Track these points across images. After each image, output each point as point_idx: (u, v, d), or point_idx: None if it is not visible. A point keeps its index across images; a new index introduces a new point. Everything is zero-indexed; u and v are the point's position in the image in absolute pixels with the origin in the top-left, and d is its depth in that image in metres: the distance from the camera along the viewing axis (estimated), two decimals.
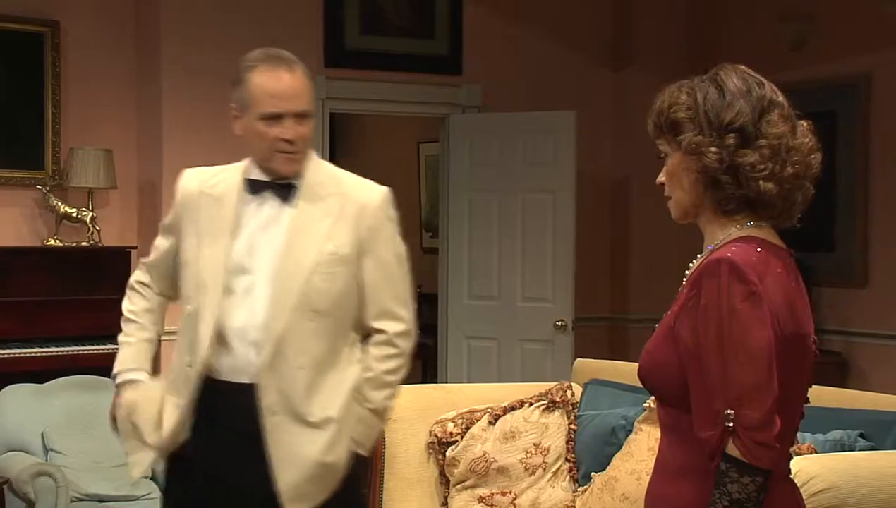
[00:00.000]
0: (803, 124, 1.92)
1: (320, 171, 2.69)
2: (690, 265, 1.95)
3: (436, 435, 3.92)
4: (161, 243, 2.82)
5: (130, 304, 2.81)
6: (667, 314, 1.93)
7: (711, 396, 1.79)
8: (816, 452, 3.17)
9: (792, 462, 1.94)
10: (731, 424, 1.77)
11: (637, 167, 6.41)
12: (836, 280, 5.89)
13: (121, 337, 2.81)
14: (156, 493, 4.73)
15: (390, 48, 6.25)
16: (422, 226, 8.02)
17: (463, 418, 3.97)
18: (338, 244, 2.62)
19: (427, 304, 7.51)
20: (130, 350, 2.78)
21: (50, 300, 5.46)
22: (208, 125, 5.91)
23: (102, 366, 5.33)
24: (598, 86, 6.65)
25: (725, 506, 1.77)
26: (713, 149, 1.86)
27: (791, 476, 1.93)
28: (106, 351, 5.52)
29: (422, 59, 6.33)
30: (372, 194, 2.70)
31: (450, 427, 3.94)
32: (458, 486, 3.88)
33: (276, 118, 2.59)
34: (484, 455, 3.86)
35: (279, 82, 2.59)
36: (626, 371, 3.99)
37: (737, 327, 1.78)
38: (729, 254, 1.82)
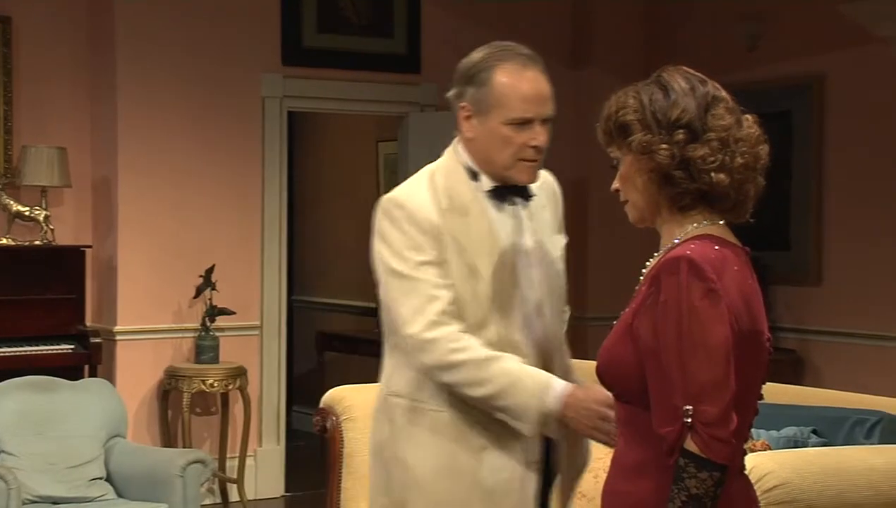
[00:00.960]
0: (748, 118, 1.97)
1: None
2: (647, 263, 1.97)
3: None
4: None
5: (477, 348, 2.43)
6: (625, 312, 1.95)
7: (670, 392, 1.80)
8: (770, 448, 3.20)
9: (746, 458, 1.97)
10: (689, 420, 1.78)
11: (595, 167, 6.44)
12: (791, 278, 5.95)
13: (510, 364, 2.41)
14: (111, 494, 4.69)
15: (348, 46, 6.24)
16: None
17: None
18: (561, 236, 2.57)
19: None
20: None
21: (3, 300, 5.40)
22: (163, 123, 5.87)
23: (57, 367, 5.30)
24: (556, 85, 6.63)
25: (684, 501, 1.79)
26: (664, 146, 1.90)
27: (745, 472, 1.96)
28: (61, 352, 5.47)
29: (380, 58, 6.33)
30: (547, 175, 2.60)
31: None
32: None
33: (525, 123, 2.41)
34: None
35: (531, 84, 2.41)
36: (584, 369, 4.01)
37: (696, 324, 1.80)
38: (688, 252, 1.85)
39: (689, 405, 1.78)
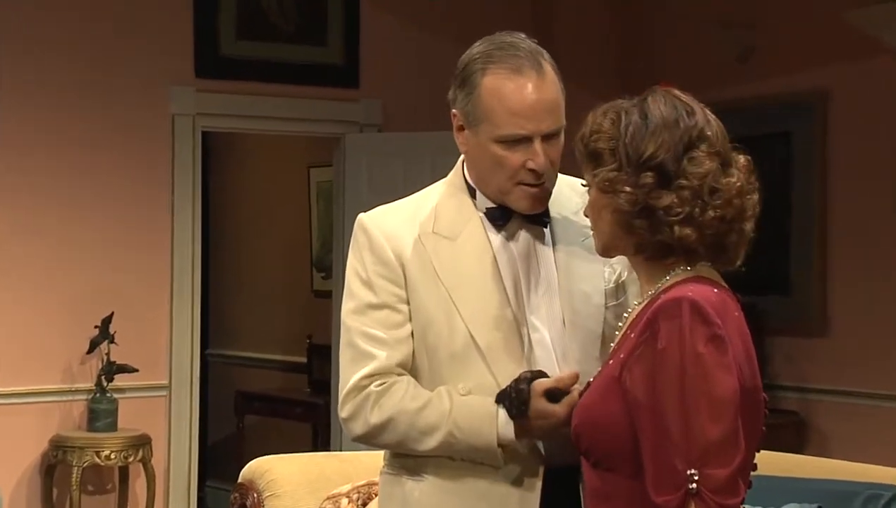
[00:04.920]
0: (740, 160, 1.98)
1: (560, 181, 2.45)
2: (627, 312, 1.98)
3: None
4: None
5: None
6: (607, 363, 1.95)
7: (670, 454, 1.81)
8: None
9: None
10: (694, 486, 1.79)
11: None
12: (792, 327, 5.96)
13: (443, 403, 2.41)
14: None
15: (274, 56, 6.25)
16: (312, 265, 7.98)
17: (359, 492, 3.94)
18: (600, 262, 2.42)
19: (318, 358, 7.48)
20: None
21: None
22: (49, 146, 5.82)
23: None
24: None
25: None
26: (627, 188, 1.93)
27: None
28: None
29: (312, 69, 6.34)
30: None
31: (344, 503, 3.91)
32: None
33: (519, 141, 2.32)
34: None
35: (521, 94, 2.31)
36: None
37: (700, 374, 1.82)
38: (689, 293, 1.87)
39: (694, 468, 1.79)
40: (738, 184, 1.96)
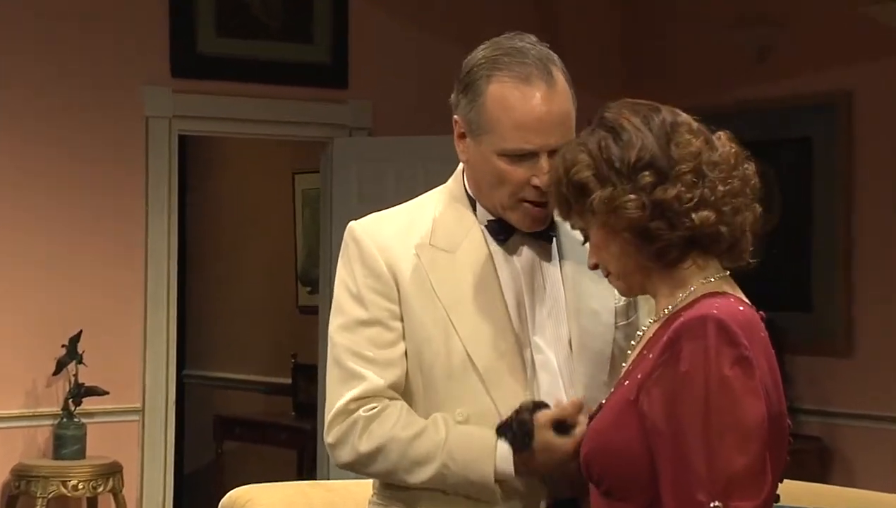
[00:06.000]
0: (720, 136, 2.02)
1: None
2: (642, 328, 1.98)
3: None
4: None
5: None
6: (621, 384, 1.95)
7: (692, 485, 1.82)
8: None
9: None
10: None
11: None
12: (815, 347, 5.97)
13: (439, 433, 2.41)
14: None
15: (256, 53, 6.25)
16: (297, 279, 7.98)
17: None
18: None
19: (304, 379, 7.46)
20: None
21: None
22: (11, 151, 5.83)
23: None
24: None
25: None
26: (630, 196, 1.94)
27: None
28: None
29: (297, 69, 6.34)
30: None
31: None
32: None
33: (525, 156, 2.31)
34: None
35: (529, 106, 2.29)
36: None
37: (727, 399, 1.83)
38: (714, 311, 1.89)
39: (718, 501, 1.80)
40: (734, 150, 2.01)
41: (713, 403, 1.82)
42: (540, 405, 2.28)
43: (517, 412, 2.28)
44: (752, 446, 1.82)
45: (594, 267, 2.08)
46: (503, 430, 2.28)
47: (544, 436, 2.25)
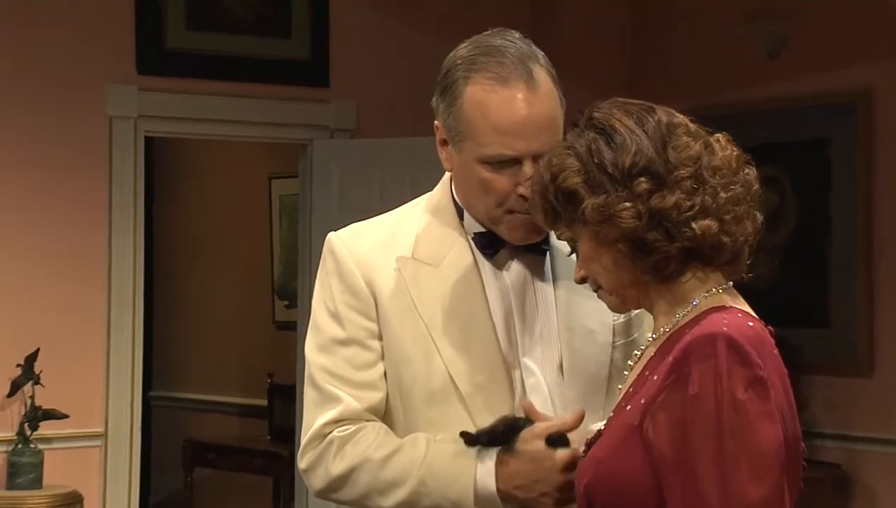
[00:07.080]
0: (719, 138, 2.04)
1: None
2: (640, 348, 1.97)
3: None
4: None
5: None
6: (624, 408, 1.94)
7: None
8: None
9: None
10: None
11: None
12: (833, 366, 5.98)
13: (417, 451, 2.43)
14: None
15: (229, 49, 6.25)
16: (274, 293, 7.98)
17: None
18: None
19: (281, 400, 7.45)
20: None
21: None
22: None
23: None
24: None
25: None
26: (626, 204, 1.93)
27: None
28: None
29: (274, 65, 6.35)
30: None
31: None
32: None
33: (507, 163, 2.30)
34: None
35: (508, 109, 2.28)
36: None
37: (740, 424, 1.83)
38: (724, 328, 1.88)
39: None
40: (734, 153, 2.00)
41: (726, 428, 1.82)
42: (526, 422, 2.27)
43: (504, 418, 2.28)
44: (769, 475, 1.82)
45: (582, 280, 2.07)
46: (479, 435, 2.26)
47: (534, 446, 2.24)
